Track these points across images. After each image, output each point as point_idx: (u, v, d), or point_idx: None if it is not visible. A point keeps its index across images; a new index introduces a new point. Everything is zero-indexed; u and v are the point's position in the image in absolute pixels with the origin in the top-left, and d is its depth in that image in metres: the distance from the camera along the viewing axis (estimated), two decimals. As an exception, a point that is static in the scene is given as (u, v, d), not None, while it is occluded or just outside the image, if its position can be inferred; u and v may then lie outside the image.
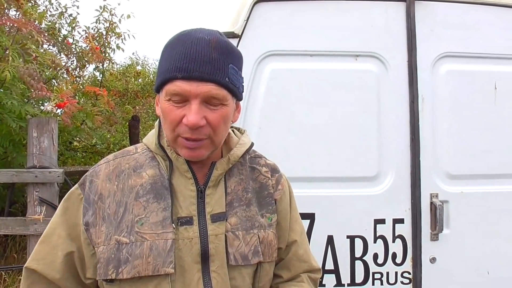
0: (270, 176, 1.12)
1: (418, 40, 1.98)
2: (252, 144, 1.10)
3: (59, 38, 4.80)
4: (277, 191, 1.12)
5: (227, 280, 0.98)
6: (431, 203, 1.97)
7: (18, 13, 3.65)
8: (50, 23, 4.84)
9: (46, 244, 1.00)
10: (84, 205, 0.98)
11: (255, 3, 1.91)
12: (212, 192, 1.01)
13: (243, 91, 1.02)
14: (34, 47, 3.50)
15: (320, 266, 1.21)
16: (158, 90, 0.96)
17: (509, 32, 2.04)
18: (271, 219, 1.08)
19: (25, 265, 1.00)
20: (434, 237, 1.97)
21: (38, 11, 4.49)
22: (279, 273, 1.12)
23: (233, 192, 1.04)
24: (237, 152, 1.05)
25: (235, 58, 0.96)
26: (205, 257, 0.96)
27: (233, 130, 1.14)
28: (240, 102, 1.05)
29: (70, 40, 5.01)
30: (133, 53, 9.19)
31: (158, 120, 1.07)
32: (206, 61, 0.89)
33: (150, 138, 1.07)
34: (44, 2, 5.01)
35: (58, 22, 5.02)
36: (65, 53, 4.65)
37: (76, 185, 1.03)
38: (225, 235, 0.99)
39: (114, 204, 0.97)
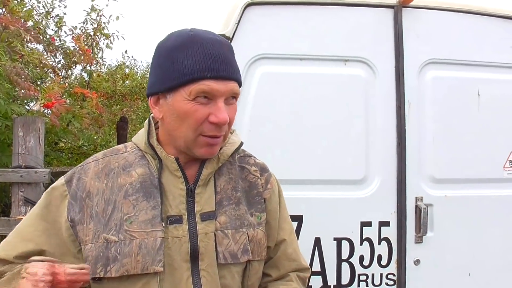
0: (259, 175, 1.13)
1: (405, 46, 2.03)
2: (241, 143, 1.11)
3: (45, 38, 4.74)
4: (266, 190, 1.12)
5: (216, 278, 0.98)
6: (416, 206, 2.01)
7: (3, 10, 3.60)
8: (36, 22, 4.79)
9: (19, 235, 0.97)
10: (69, 202, 0.96)
11: (246, 6, 1.93)
12: (201, 191, 1.01)
13: None
14: (20, 45, 3.46)
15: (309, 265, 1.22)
16: (167, 91, 0.94)
17: (493, 40, 2.10)
18: (260, 217, 1.08)
19: None
20: (419, 239, 2.00)
21: (25, 9, 4.44)
22: (268, 272, 1.12)
23: (223, 191, 1.05)
24: (226, 151, 1.06)
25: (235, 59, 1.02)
26: (194, 256, 0.96)
27: None
28: None
29: (56, 39, 4.96)
30: (125, 51, 9.07)
31: (148, 119, 1.07)
32: (227, 60, 0.94)
33: (139, 137, 1.06)
34: (30, 0, 4.97)
35: (44, 20, 4.97)
36: (49, 49, 4.57)
37: (62, 180, 1.01)
38: (215, 234, 0.99)
39: (102, 202, 0.96)
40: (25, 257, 0.94)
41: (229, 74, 0.93)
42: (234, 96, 0.97)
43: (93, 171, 1.01)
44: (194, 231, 0.97)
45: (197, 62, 0.91)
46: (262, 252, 1.07)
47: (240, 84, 0.98)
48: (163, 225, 0.95)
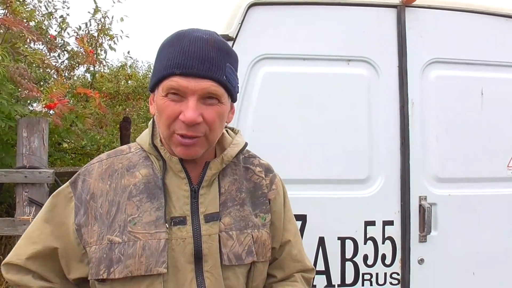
0: (264, 176, 1.13)
1: (409, 46, 2.02)
2: (246, 144, 1.11)
3: (48, 38, 4.75)
4: (271, 191, 1.12)
5: (220, 280, 0.97)
6: (420, 205, 2.00)
7: (6, 11, 3.61)
8: (38, 22, 4.79)
9: (28, 239, 1.00)
10: (75, 204, 0.97)
11: (249, 7, 1.93)
12: (205, 192, 1.01)
13: (238, 92, 1.03)
14: (23, 46, 3.47)
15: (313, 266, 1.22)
16: (154, 88, 0.96)
17: (496, 39, 2.09)
18: (265, 218, 1.08)
19: (3, 262, 1.00)
20: (423, 238, 2.00)
21: (27, 9, 4.44)
22: (272, 273, 1.12)
23: (227, 192, 1.04)
24: (230, 152, 1.05)
25: (232, 59, 0.97)
26: (198, 257, 0.96)
27: (227, 130, 1.14)
28: (234, 103, 1.05)
29: (59, 40, 4.97)
30: (128, 52, 9.10)
31: (151, 119, 1.06)
32: (204, 58, 0.89)
33: (143, 138, 1.06)
34: (32, 0, 4.97)
35: (47, 21, 4.97)
36: (50, 47, 4.57)
37: (67, 183, 1.02)
38: (219, 235, 0.99)
39: (106, 203, 0.96)
40: (36, 257, 0.97)
41: (202, 72, 0.89)
42: (213, 96, 0.92)
43: (97, 172, 1.01)
44: (198, 232, 0.97)
45: (170, 59, 0.91)
46: (266, 253, 1.06)
47: (223, 85, 0.93)
48: (167, 226, 0.95)
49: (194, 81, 0.89)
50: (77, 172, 1.03)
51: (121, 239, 0.93)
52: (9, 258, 1.00)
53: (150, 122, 1.06)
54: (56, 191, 1.02)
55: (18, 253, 0.99)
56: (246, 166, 1.12)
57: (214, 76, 0.90)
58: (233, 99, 1.01)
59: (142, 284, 0.92)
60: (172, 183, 0.99)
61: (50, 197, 1.02)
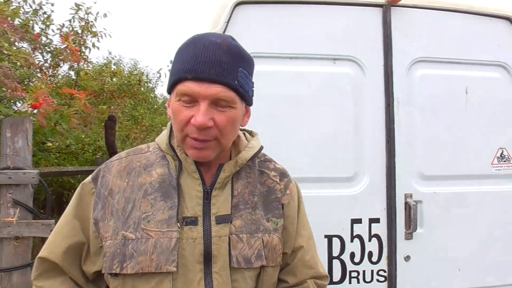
0: (278, 181, 1.13)
1: (394, 45, 2.05)
2: (261, 148, 1.12)
3: (32, 36, 4.67)
4: (285, 196, 1.12)
5: (228, 282, 0.98)
6: (406, 203, 2.03)
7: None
8: (23, 21, 4.71)
9: (58, 234, 1.04)
10: (95, 200, 1.01)
11: (235, 5, 1.93)
12: (218, 194, 1.02)
13: (253, 96, 1.04)
14: (7, 45, 3.40)
15: (327, 273, 1.19)
16: (170, 91, 0.99)
17: (480, 39, 2.13)
18: (277, 223, 1.08)
19: (37, 256, 1.04)
20: (409, 236, 2.03)
21: (11, 7, 4.36)
22: (284, 278, 1.11)
23: (240, 195, 1.05)
24: (245, 155, 1.07)
25: (246, 63, 0.98)
26: (207, 258, 0.97)
27: (244, 133, 1.16)
28: (250, 107, 1.06)
29: (43, 38, 4.89)
30: (109, 53, 9.05)
31: (170, 121, 1.08)
32: (216, 63, 0.91)
33: (162, 138, 1.09)
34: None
35: (32, 19, 4.89)
36: (35, 47, 4.49)
37: (90, 177, 1.05)
38: (229, 237, 1.00)
39: (123, 200, 0.99)
40: (69, 252, 1.02)
41: (213, 76, 0.90)
42: (224, 100, 0.92)
43: (116, 169, 1.04)
44: (209, 233, 0.98)
45: (183, 63, 0.93)
46: (277, 258, 1.06)
47: (235, 89, 0.93)
48: (179, 225, 0.97)
49: (205, 86, 0.90)
50: (98, 168, 1.07)
51: (134, 235, 0.96)
52: (43, 253, 1.03)
53: (169, 124, 1.09)
54: (79, 187, 1.06)
55: (52, 249, 1.03)
56: (261, 170, 1.12)
57: (224, 80, 0.91)
58: (248, 103, 1.03)
59: (152, 281, 0.94)
60: (186, 183, 1.01)
61: (75, 192, 1.06)
